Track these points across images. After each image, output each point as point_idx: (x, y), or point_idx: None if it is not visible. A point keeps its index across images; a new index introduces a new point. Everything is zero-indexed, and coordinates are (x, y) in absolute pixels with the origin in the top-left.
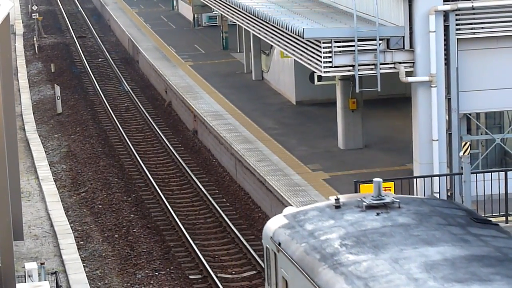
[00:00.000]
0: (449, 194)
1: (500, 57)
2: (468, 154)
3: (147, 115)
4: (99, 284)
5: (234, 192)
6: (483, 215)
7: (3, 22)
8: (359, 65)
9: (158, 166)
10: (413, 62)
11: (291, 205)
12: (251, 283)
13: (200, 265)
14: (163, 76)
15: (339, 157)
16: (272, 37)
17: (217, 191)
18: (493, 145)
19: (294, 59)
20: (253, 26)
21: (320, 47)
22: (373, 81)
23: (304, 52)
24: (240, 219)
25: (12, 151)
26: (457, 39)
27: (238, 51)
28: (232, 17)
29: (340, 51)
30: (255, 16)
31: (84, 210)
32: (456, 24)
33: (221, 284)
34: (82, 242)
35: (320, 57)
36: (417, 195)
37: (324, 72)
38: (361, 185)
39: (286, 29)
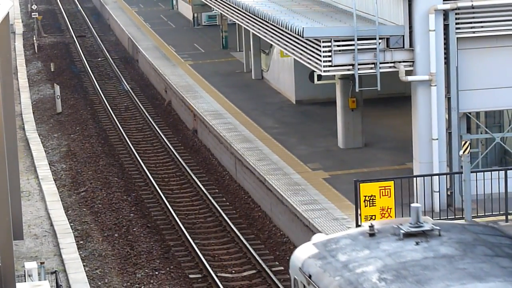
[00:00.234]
0: (448, 193)
1: (500, 56)
2: (468, 153)
3: (146, 114)
4: (99, 283)
5: (234, 191)
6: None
7: (2, 22)
8: (358, 64)
9: (158, 166)
10: (413, 61)
11: (320, 233)
12: (251, 282)
13: (200, 264)
14: (163, 75)
15: (339, 156)
16: (271, 36)
17: (217, 190)
18: (493, 144)
19: (294, 58)
20: (253, 25)
21: (320, 46)
22: (373, 80)
23: (304, 51)
24: (240, 218)
25: (12, 151)
26: (457, 38)
27: (238, 50)
28: (232, 16)
29: (339, 50)
30: (254, 15)
31: (84, 209)
32: (456, 23)
33: (221, 283)
34: (82, 242)
35: (320, 56)
36: (416, 194)
37: (324, 71)
38: (361, 184)
39: (285, 28)
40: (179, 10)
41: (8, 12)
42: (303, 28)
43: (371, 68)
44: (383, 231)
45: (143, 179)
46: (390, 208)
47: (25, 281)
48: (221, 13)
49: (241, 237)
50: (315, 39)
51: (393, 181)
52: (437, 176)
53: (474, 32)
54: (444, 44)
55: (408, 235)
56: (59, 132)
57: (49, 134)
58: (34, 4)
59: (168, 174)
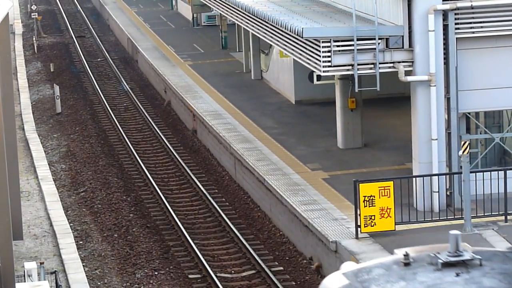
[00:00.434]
0: (448, 193)
1: (499, 56)
2: (467, 153)
3: (146, 114)
4: (99, 283)
5: (233, 192)
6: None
7: (2, 22)
8: (358, 65)
9: (158, 166)
10: (412, 61)
11: (349, 262)
12: (251, 282)
13: (199, 265)
14: (162, 75)
15: (338, 156)
16: (271, 37)
17: (216, 191)
18: (492, 144)
19: (293, 59)
20: (252, 26)
21: (319, 46)
22: (372, 80)
23: (303, 51)
24: (240, 219)
25: (12, 151)
26: (456, 38)
27: (237, 50)
28: (231, 17)
29: (339, 51)
30: (254, 15)
31: (84, 209)
32: (455, 23)
33: (220, 283)
34: (81, 242)
35: (319, 56)
36: (416, 194)
37: (323, 71)
38: (360, 184)
39: (285, 29)
40: (179, 10)
41: (8, 13)
42: (302, 28)
43: (371, 68)
44: (419, 260)
45: (143, 179)
46: (390, 208)
47: (25, 281)
48: (220, 14)
49: (240, 237)
50: (315, 39)
51: (392, 181)
52: (437, 176)
53: (473, 32)
54: (444, 44)
55: (447, 265)
56: (59, 132)
57: (49, 134)
58: (34, 4)
59: (168, 174)
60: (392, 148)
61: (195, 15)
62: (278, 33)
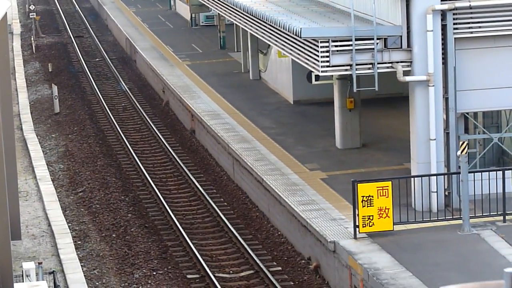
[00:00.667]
0: (446, 193)
1: (497, 56)
2: (466, 153)
3: (144, 114)
4: (97, 283)
5: (231, 192)
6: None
7: (0, 22)
8: (356, 65)
9: (156, 166)
10: (411, 62)
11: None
12: (249, 282)
13: (197, 265)
14: (161, 75)
15: (336, 156)
16: (269, 37)
17: (214, 191)
18: (491, 144)
19: (292, 59)
20: (251, 26)
21: (318, 46)
22: (371, 81)
23: (302, 51)
24: (238, 219)
25: (10, 151)
26: (455, 38)
27: (236, 50)
28: (230, 17)
29: (337, 51)
30: (252, 15)
31: (82, 209)
32: (454, 24)
33: (218, 283)
34: (79, 242)
35: (318, 56)
36: (414, 194)
37: (322, 71)
38: (358, 184)
39: (283, 29)
40: (177, 10)
41: (6, 13)
42: (301, 28)
43: (369, 69)
44: None
45: (141, 179)
46: (388, 209)
47: (23, 281)
48: (218, 14)
49: (238, 237)
50: (313, 40)
51: (391, 182)
52: (435, 177)
53: (472, 33)
54: (442, 44)
55: None
56: (57, 132)
57: (47, 134)
58: (32, 4)
59: (166, 174)
60: (391, 148)
61: (193, 15)
62: (277, 33)
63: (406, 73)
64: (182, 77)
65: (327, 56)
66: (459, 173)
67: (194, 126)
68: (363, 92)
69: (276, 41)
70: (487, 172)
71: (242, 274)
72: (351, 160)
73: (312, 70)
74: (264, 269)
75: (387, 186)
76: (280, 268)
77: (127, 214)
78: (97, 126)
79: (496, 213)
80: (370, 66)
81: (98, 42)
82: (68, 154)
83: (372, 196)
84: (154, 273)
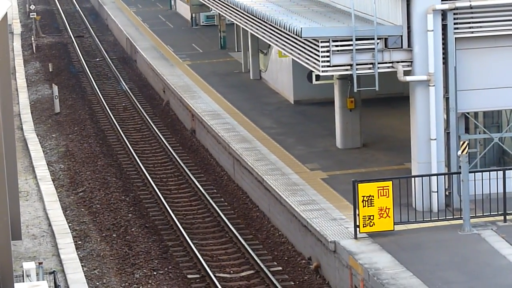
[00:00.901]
0: (447, 193)
1: (498, 56)
2: (466, 153)
3: (145, 114)
4: (97, 283)
5: (232, 192)
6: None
7: (0, 22)
8: (357, 64)
9: (156, 166)
10: (411, 61)
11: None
12: (249, 282)
13: (198, 265)
14: (161, 75)
15: (337, 156)
16: (270, 36)
17: (215, 191)
18: (491, 144)
19: (292, 59)
20: (251, 25)
21: (318, 46)
22: (371, 80)
23: (302, 51)
24: (238, 219)
25: (10, 151)
26: (455, 38)
27: (236, 50)
28: (230, 16)
29: (338, 50)
30: (253, 15)
31: (82, 209)
32: (454, 23)
33: (219, 283)
34: (80, 242)
35: (318, 56)
36: (415, 194)
37: (322, 71)
38: (359, 184)
39: (284, 28)
40: (177, 10)
41: (6, 12)
42: (301, 28)
43: (369, 68)
44: None
45: (142, 179)
46: (389, 208)
47: (23, 281)
48: (219, 13)
49: (239, 237)
50: (313, 39)
51: (391, 181)
52: (435, 176)
53: (472, 32)
54: (443, 44)
55: None
56: (57, 132)
57: (47, 134)
58: (33, 4)
59: (166, 174)
60: (391, 148)
61: (193, 15)
62: (277, 33)
63: (407, 73)
64: (183, 77)
65: (328, 56)
66: (460, 173)
67: (194, 126)
68: (364, 92)
69: (277, 41)
70: (488, 172)
71: (243, 274)
72: (352, 160)
73: (313, 70)
74: (265, 269)
75: (388, 186)
76: (280, 268)
77: (127, 214)
78: (98, 126)
79: (496, 213)
80: (371, 66)
81: (98, 42)
82: (68, 154)
83: (373, 196)
84: (155, 273)
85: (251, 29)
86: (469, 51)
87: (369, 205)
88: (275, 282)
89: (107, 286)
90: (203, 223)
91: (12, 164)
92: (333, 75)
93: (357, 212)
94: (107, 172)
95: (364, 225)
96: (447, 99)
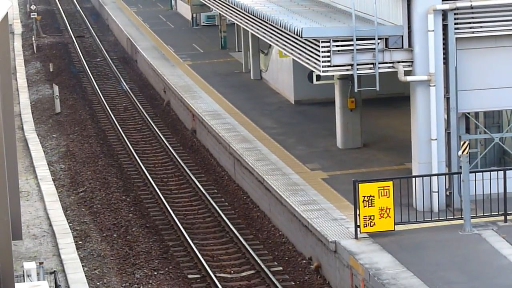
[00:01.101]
0: (447, 193)
1: (498, 56)
2: (467, 153)
3: (145, 114)
4: (98, 283)
5: (232, 192)
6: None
7: (1, 22)
8: (357, 64)
9: (157, 166)
10: (412, 61)
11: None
12: (250, 282)
13: (199, 265)
14: (162, 75)
15: (337, 156)
16: (270, 37)
17: (215, 191)
18: (492, 144)
19: (293, 59)
20: (252, 26)
21: (319, 46)
22: (372, 80)
23: (303, 51)
24: (239, 219)
25: (11, 151)
26: (456, 38)
27: (237, 50)
28: (231, 17)
29: (338, 51)
30: (253, 15)
31: (83, 209)
32: (455, 23)
33: (220, 283)
34: (80, 242)
35: (319, 56)
36: (415, 194)
37: (323, 71)
38: (359, 184)
39: (284, 29)
40: (178, 10)
41: (7, 12)
42: (302, 28)
43: (370, 68)
44: None
45: (142, 179)
46: (389, 209)
47: (24, 281)
48: (220, 13)
49: (240, 237)
50: (314, 39)
51: (392, 181)
52: (436, 177)
53: (473, 32)
54: (443, 44)
55: None
56: (58, 132)
57: (48, 134)
58: (33, 4)
59: (167, 174)
60: (392, 148)
61: (194, 15)
62: (278, 33)
63: (407, 73)
64: (183, 77)
65: (328, 56)
66: (460, 173)
67: (195, 126)
68: (364, 92)
69: (277, 41)
70: (488, 172)
71: (243, 274)
72: (352, 160)
73: (313, 70)
74: (265, 269)
75: (388, 186)
76: (281, 268)
77: (128, 214)
78: (98, 126)
79: (497, 213)
80: (371, 66)
81: (99, 42)
82: (69, 154)
83: (373, 196)
84: (155, 273)
85: (251, 29)
86: (469, 51)
87: (370, 205)
88: (275, 282)
89: (108, 286)
90: (203, 223)
91: (13, 164)
92: (333, 75)
93: (357, 212)
94: (108, 172)
95: (365, 225)
96: (447, 99)
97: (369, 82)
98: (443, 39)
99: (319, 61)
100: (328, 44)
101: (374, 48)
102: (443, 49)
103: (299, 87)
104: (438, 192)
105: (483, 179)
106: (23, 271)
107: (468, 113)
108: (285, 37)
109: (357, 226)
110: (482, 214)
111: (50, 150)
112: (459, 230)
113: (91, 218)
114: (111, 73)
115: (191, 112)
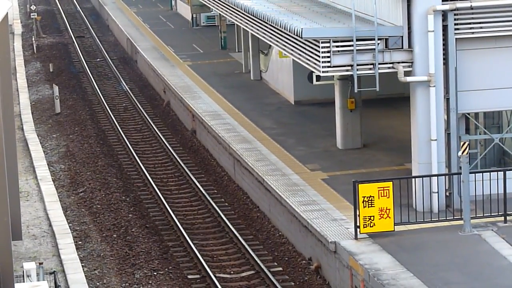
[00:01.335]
0: (447, 194)
1: (498, 56)
2: (467, 153)
3: (145, 115)
4: (98, 283)
5: (232, 192)
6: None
7: (1, 22)
8: (357, 65)
9: (157, 166)
10: (412, 62)
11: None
12: (250, 283)
13: (198, 265)
14: (162, 75)
15: (337, 156)
16: (270, 37)
17: (215, 191)
18: (492, 144)
19: (293, 59)
20: (252, 26)
21: (319, 46)
22: (372, 81)
23: (303, 51)
24: (239, 219)
25: (11, 151)
26: (456, 38)
27: (237, 50)
28: (231, 17)
29: (338, 51)
30: (253, 15)
31: (83, 210)
32: (455, 24)
33: (219, 284)
34: (80, 242)
35: (319, 56)
36: (415, 195)
37: (323, 72)
38: (359, 184)
39: (284, 29)
40: (178, 10)
41: (7, 13)
42: (302, 28)
43: (370, 69)
44: None
45: (142, 179)
46: (389, 209)
47: (24, 282)
48: (220, 14)
49: (239, 237)
50: (314, 40)
51: (391, 182)
52: (436, 177)
53: (473, 33)
54: (443, 44)
55: None
56: (58, 132)
57: (48, 134)
58: (33, 4)
59: (167, 175)
60: (392, 148)
61: (194, 16)
62: (278, 33)
63: (407, 74)
64: (183, 78)
65: (328, 57)
66: (460, 173)
67: (195, 127)
68: (364, 92)
69: (277, 41)
70: (488, 173)
71: (243, 274)
72: (352, 160)
73: (313, 70)
74: (265, 269)
75: (388, 187)
76: (281, 269)
77: (128, 214)
78: (98, 126)
79: (497, 213)
80: (371, 66)
81: (99, 42)
82: (69, 154)
83: (373, 197)
84: (155, 273)
85: (251, 30)
86: (469, 51)
87: (370, 205)
88: (275, 282)
89: (108, 286)
90: (203, 224)
91: (13, 164)
92: (333, 76)
93: (357, 213)
94: (108, 172)
95: (365, 225)
96: (447, 100)
97: (369, 82)
98: (443, 39)
99: (319, 61)
100: (328, 44)
101: (374, 49)
102: (443, 49)
103: (299, 87)
104: (438, 192)
105: (483, 180)
106: (23, 271)
107: (468, 114)
108: (285, 37)
109: (357, 227)
110: (482, 215)
111: (50, 150)
112: (459, 231)
113: (91, 218)
114: (111, 73)
115: (191, 113)
